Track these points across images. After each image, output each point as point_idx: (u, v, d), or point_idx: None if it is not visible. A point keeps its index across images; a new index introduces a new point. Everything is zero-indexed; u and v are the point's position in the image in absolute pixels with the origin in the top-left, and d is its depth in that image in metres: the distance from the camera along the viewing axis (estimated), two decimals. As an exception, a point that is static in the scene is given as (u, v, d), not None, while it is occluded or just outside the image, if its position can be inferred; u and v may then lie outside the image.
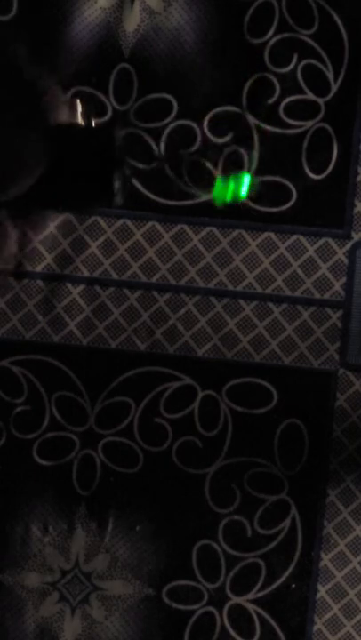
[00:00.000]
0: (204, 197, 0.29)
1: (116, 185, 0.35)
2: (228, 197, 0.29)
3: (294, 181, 0.64)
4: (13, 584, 0.64)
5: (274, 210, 0.64)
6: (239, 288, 0.64)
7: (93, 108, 0.62)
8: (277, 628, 0.64)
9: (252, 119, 0.64)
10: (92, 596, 0.64)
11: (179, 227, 0.63)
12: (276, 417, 0.64)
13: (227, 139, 0.64)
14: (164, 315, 0.63)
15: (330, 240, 0.64)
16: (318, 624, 0.64)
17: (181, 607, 0.64)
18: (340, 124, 0.64)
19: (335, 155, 0.64)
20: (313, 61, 0.64)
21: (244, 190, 0.30)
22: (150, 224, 0.63)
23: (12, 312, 0.63)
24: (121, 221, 0.62)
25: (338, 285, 0.64)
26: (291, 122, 0.64)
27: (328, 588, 0.64)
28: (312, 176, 0.64)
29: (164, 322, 0.63)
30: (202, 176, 0.63)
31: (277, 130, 0.64)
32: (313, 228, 0.64)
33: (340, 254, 0.64)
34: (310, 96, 0.64)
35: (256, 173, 0.64)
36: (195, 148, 0.63)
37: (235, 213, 0.63)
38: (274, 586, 0.64)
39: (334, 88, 0.64)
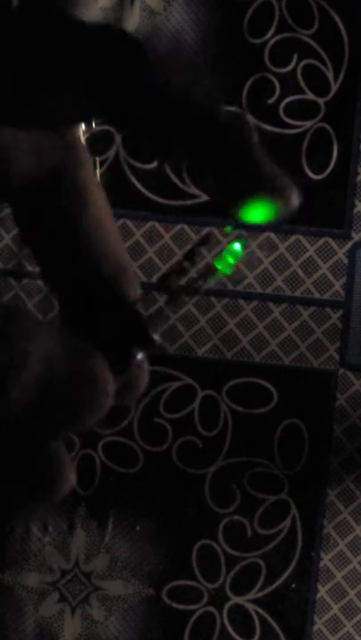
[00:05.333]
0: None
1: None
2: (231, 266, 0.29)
3: (294, 181, 0.64)
4: (13, 584, 0.64)
5: (274, 210, 0.64)
6: (239, 288, 0.64)
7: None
8: (277, 628, 0.64)
9: (252, 119, 0.64)
10: (92, 596, 0.64)
11: (179, 227, 0.63)
12: (276, 417, 0.64)
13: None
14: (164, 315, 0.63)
15: (330, 240, 0.64)
16: (318, 624, 0.64)
17: (181, 607, 0.64)
18: (340, 123, 0.64)
19: (335, 155, 0.64)
20: (313, 61, 0.64)
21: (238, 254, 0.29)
22: (150, 224, 0.63)
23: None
24: (121, 221, 0.62)
25: (338, 285, 0.64)
26: (291, 122, 0.64)
27: (328, 588, 0.64)
28: (312, 176, 0.64)
29: (165, 322, 0.63)
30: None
31: (277, 130, 0.64)
32: (313, 228, 0.64)
33: (340, 254, 0.64)
34: (310, 96, 0.64)
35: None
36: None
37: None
38: (274, 586, 0.64)
39: (334, 88, 0.64)
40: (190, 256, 0.30)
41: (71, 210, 0.30)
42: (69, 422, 0.27)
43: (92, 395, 0.27)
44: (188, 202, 0.63)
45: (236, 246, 0.31)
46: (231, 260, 0.30)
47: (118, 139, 0.63)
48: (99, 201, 0.30)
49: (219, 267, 0.30)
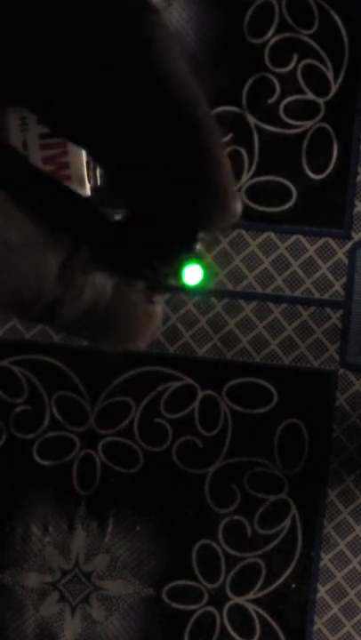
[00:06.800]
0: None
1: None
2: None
3: (294, 181, 0.64)
4: (13, 584, 0.64)
5: (274, 210, 0.64)
6: (239, 288, 0.64)
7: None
8: (277, 628, 0.64)
9: (252, 119, 0.64)
10: (92, 596, 0.64)
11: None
12: (276, 417, 0.64)
13: (227, 139, 0.64)
14: (164, 315, 0.63)
15: (330, 240, 0.64)
16: (318, 624, 0.64)
17: (181, 607, 0.64)
18: (340, 123, 0.64)
19: (335, 155, 0.64)
20: (313, 61, 0.64)
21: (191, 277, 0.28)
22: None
23: (12, 312, 0.63)
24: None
25: (338, 285, 0.64)
26: (291, 122, 0.64)
27: (328, 588, 0.64)
28: (312, 176, 0.64)
29: (165, 322, 0.63)
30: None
31: (277, 130, 0.64)
32: (313, 227, 0.64)
33: (340, 254, 0.64)
34: (310, 96, 0.64)
35: (256, 173, 0.64)
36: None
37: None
38: (274, 586, 0.64)
39: (334, 88, 0.64)
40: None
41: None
42: (113, 344, 0.29)
43: (135, 327, 0.29)
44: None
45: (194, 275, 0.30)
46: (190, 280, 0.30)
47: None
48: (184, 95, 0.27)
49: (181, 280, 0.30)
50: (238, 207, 0.28)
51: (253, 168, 0.64)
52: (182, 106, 0.27)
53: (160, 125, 0.27)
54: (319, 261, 0.64)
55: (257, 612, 0.64)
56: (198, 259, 0.29)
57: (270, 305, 0.64)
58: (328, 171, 0.64)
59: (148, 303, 0.29)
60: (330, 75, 0.64)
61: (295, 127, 0.64)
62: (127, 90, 0.26)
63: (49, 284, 0.27)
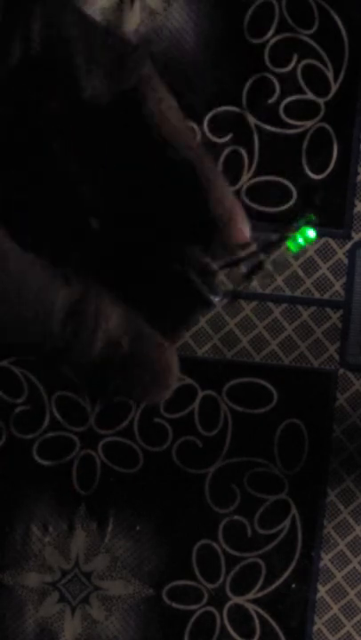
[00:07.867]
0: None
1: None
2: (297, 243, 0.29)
3: (294, 181, 0.64)
4: (13, 584, 0.64)
5: (274, 210, 0.64)
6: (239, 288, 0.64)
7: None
8: (277, 628, 0.64)
9: (252, 119, 0.64)
10: (92, 595, 0.64)
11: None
12: (277, 417, 0.64)
13: (227, 139, 0.64)
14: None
15: (330, 240, 0.64)
16: (318, 624, 0.64)
17: (181, 607, 0.64)
18: (340, 123, 0.64)
19: (335, 155, 0.64)
20: (313, 61, 0.64)
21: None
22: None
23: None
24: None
25: (338, 285, 0.64)
26: (291, 122, 0.64)
27: (328, 588, 0.64)
28: (312, 176, 0.64)
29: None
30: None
31: (277, 130, 0.64)
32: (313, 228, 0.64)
33: (340, 254, 0.64)
34: (310, 96, 0.64)
35: (256, 173, 0.64)
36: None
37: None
38: (274, 586, 0.64)
39: (334, 88, 0.64)
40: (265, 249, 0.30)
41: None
42: (129, 395, 0.29)
43: (152, 380, 0.29)
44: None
45: (310, 233, 0.31)
46: (302, 242, 0.31)
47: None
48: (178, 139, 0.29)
49: (289, 244, 0.30)
50: (246, 230, 0.29)
51: (253, 168, 0.64)
52: (172, 152, 0.28)
53: (151, 168, 0.28)
54: (319, 261, 0.64)
55: (257, 612, 0.64)
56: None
57: (270, 305, 0.64)
58: (328, 171, 0.64)
59: (165, 352, 0.28)
60: (330, 75, 0.64)
61: (295, 127, 0.64)
62: (120, 135, 0.27)
63: (55, 328, 0.25)
